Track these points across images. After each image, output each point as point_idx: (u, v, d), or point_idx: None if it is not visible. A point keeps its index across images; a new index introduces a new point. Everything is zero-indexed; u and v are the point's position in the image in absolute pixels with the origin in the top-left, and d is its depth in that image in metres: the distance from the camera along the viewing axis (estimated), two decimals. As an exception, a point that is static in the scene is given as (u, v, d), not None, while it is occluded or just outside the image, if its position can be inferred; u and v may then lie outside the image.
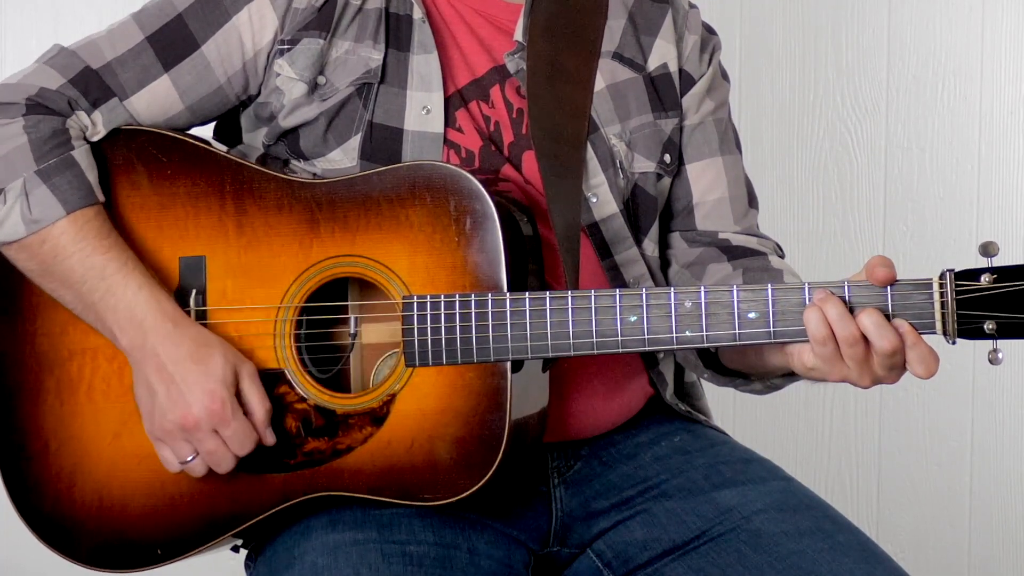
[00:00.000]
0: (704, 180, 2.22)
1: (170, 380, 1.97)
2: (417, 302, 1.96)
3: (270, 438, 1.99)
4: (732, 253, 2.18)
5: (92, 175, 2.03)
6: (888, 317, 1.84)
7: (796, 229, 3.39)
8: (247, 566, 2.13)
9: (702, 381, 2.30)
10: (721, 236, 2.21)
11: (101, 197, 2.03)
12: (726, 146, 2.24)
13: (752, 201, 2.26)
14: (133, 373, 2.01)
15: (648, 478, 2.13)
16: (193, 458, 1.98)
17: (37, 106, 2.04)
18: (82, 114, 2.05)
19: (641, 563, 2.09)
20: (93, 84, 2.06)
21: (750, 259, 2.18)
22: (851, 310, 1.85)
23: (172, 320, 1.99)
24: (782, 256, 2.23)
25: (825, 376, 1.90)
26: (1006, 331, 1.80)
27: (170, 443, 1.99)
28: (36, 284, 2.05)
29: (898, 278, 1.85)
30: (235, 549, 2.15)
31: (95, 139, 2.06)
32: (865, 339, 1.84)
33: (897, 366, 1.86)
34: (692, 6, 2.25)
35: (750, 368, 2.09)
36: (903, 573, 2.00)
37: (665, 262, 2.24)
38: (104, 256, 2.00)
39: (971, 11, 3.39)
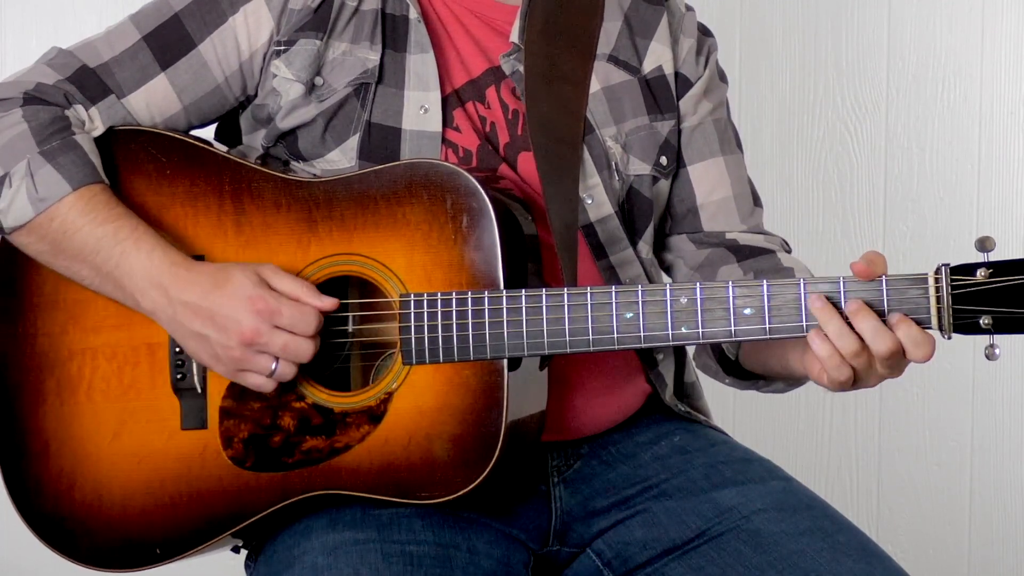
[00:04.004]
0: (707, 181, 2.22)
1: (209, 315, 1.97)
2: (414, 300, 1.96)
3: (327, 303, 1.97)
4: (741, 253, 2.19)
5: (96, 159, 2.04)
6: (882, 315, 1.85)
7: (796, 229, 3.39)
8: (247, 566, 2.13)
9: (701, 381, 2.30)
10: (729, 236, 2.21)
11: (106, 181, 2.04)
12: (727, 146, 2.24)
13: (756, 200, 2.26)
14: (174, 337, 2.01)
15: (648, 477, 2.13)
16: (276, 364, 1.96)
17: (34, 99, 2.05)
18: (79, 107, 2.06)
19: (641, 563, 2.08)
20: (90, 82, 2.07)
21: (759, 259, 2.18)
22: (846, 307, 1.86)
23: (184, 267, 1.99)
24: (789, 251, 2.24)
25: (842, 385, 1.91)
26: (1002, 326, 1.80)
27: (248, 366, 1.97)
28: (48, 266, 2.05)
29: (894, 274, 1.85)
30: (235, 550, 2.15)
31: (94, 135, 2.07)
32: (865, 345, 1.85)
33: (897, 365, 1.87)
34: (688, 8, 2.25)
35: (773, 373, 2.09)
36: (903, 573, 2.00)
37: (670, 266, 2.24)
38: (115, 224, 2.00)
39: (971, 11, 3.39)
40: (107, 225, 2.00)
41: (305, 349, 1.96)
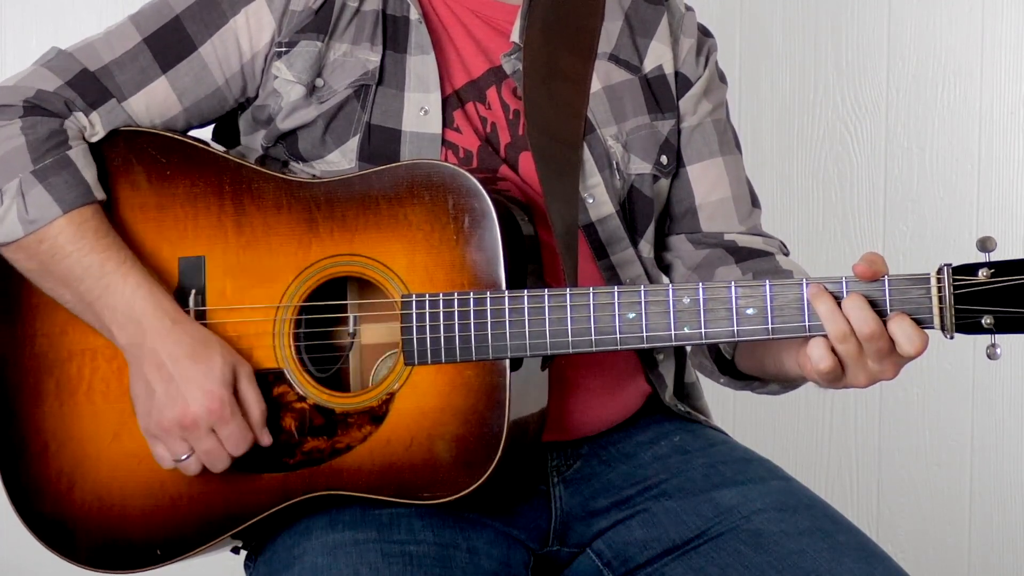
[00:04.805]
0: (705, 181, 2.22)
1: (169, 378, 1.97)
2: (416, 301, 1.96)
3: (266, 439, 1.99)
4: (739, 255, 2.19)
5: (90, 173, 2.03)
6: (884, 314, 1.85)
7: (796, 229, 3.40)
8: (247, 566, 2.13)
9: (701, 381, 2.30)
10: (727, 237, 2.21)
11: (101, 195, 2.03)
12: (726, 146, 2.24)
13: (755, 201, 2.27)
14: (130, 370, 2.01)
15: (648, 477, 2.13)
16: (188, 456, 1.98)
17: (35, 108, 2.04)
18: (80, 115, 2.05)
19: (641, 563, 2.08)
20: (91, 86, 2.06)
21: (757, 260, 2.18)
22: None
23: (171, 318, 1.99)
24: (787, 254, 2.24)
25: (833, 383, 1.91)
26: (1004, 326, 1.80)
27: (166, 440, 1.99)
28: (35, 284, 2.05)
29: (896, 274, 1.85)
30: (235, 550, 2.15)
31: (94, 139, 2.06)
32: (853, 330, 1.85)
33: (884, 352, 1.86)
34: (688, 8, 2.25)
35: (768, 374, 2.09)
36: (903, 573, 2.00)
37: (668, 265, 2.24)
38: (102, 255, 2.00)
39: (971, 11, 3.39)
40: (94, 255, 2.00)
41: (221, 464, 1.99)
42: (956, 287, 1.82)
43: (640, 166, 2.16)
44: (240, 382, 1.99)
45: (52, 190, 2.00)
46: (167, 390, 1.97)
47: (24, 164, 2.00)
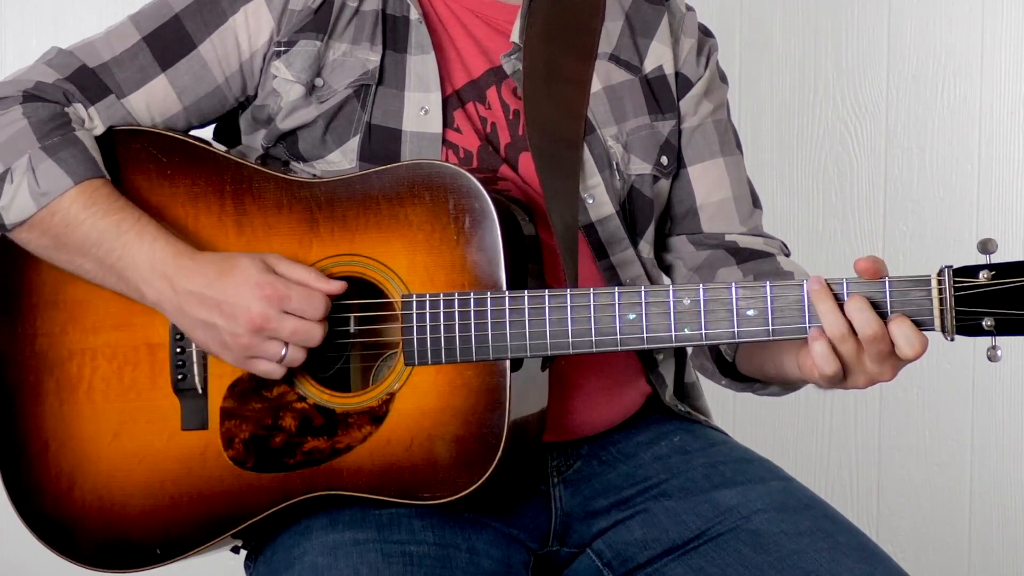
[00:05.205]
0: (706, 182, 2.22)
1: (216, 303, 1.96)
2: (416, 301, 1.96)
3: (335, 285, 1.97)
4: (740, 255, 2.19)
5: (96, 155, 2.03)
6: (884, 316, 1.85)
7: (796, 229, 3.40)
8: (247, 566, 2.13)
9: (701, 381, 2.30)
10: (728, 238, 2.21)
11: (107, 176, 2.03)
12: (727, 147, 2.24)
13: (756, 202, 2.27)
14: (181, 326, 2.00)
15: (648, 477, 2.13)
16: (285, 350, 1.96)
17: (33, 96, 2.04)
18: (79, 106, 2.06)
19: (641, 563, 2.09)
20: (90, 82, 2.06)
21: (758, 262, 2.18)
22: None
23: (188, 256, 1.99)
24: (788, 255, 2.24)
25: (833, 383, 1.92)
26: (1005, 327, 1.81)
27: (257, 352, 1.97)
28: (51, 262, 2.05)
29: (896, 275, 1.85)
30: (235, 550, 2.15)
31: (94, 133, 2.06)
32: (855, 333, 1.85)
33: (884, 354, 1.86)
34: (689, 8, 2.25)
35: (768, 376, 2.09)
36: (903, 573, 2.00)
37: (669, 267, 2.24)
38: (116, 216, 2.00)
39: (971, 11, 3.39)
40: (109, 217, 2.00)
41: (315, 334, 1.96)
42: (957, 289, 1.82)
43: (640, 167, 2.16)
44: (276, 267, 1.97)
45: (62, 163, 2.00)
46: (222, 313, 1.96)
47: (31, 142, 2.01)
